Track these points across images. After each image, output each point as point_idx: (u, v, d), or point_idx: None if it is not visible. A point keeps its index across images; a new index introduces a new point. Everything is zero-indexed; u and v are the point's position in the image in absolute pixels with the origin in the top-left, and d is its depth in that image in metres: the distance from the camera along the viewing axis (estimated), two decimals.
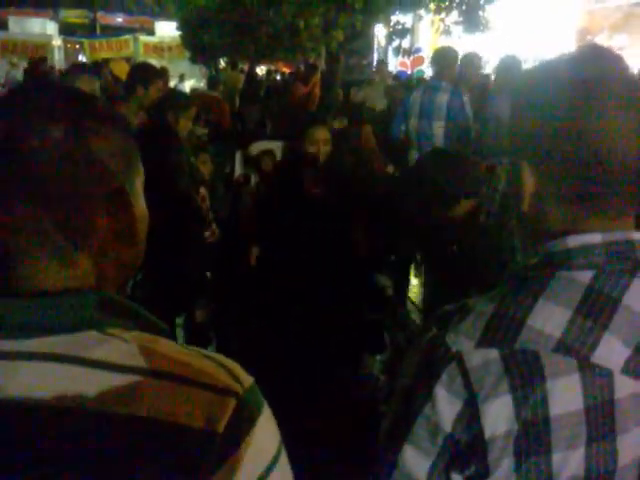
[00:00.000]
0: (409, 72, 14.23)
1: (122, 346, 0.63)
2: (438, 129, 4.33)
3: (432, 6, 9.92)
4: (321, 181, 3.77)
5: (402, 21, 10.43)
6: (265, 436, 0.64)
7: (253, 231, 3.26)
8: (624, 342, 0.73)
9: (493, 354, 0.74)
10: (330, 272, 3.65)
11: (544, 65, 0.84)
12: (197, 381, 0.63)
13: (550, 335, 0.73)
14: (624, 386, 0.73)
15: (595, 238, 0.76)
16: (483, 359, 0.74)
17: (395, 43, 9.91)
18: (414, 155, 4.47)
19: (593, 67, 0.76)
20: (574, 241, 0.77)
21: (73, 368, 0.60)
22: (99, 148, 0.66)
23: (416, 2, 10.52)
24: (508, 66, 4.62)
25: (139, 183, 0.73)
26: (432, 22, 14.09)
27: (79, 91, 0.73)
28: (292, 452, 0.68)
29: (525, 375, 0.72)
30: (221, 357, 0.68)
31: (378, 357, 3.59)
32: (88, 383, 0.60)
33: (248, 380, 0.66)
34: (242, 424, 0.62)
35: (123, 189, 0.69)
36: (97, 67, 8.69)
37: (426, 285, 4.35)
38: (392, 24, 10.09)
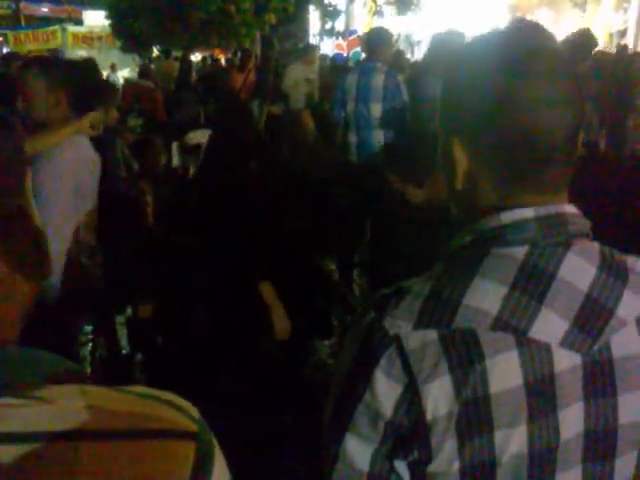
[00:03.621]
0: (345, 54, 14.25)
1: (44, 408, 0.52)
2: (376, 111, 4.34)
3: None
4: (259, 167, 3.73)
5: (334, 3, 10.40)
6: (222, 468, 0.58)
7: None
8: (561, 315, 0.73)
9: (431, 335, 0.73)
10: (276, 257, 3.63)
11: (475, 41, 0.82)
12: (148, 430, 0.54)
13: (487, 313, 0.72)
14: (563, 360, 0.73)
15: (528, 213, 0.75)
16: (421, 341, 0.73)
17: (328, 25, 9.89)
18: (353, 138, 4.47)
19: (523, 43, 0.76)
20: (507, 217, 0.76)
21: None
22: None
23: None
24: (441, 43, 4.60)
25: (28, 183, 0.63)
26: (364, 3, 14.17)
27: None
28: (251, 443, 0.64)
29: (463, 355, 0.71)
30: (162, 393, 0.59)
31: (326, 342, 3.60)
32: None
33: (196, 411, 0.59)
34: (204, 467, 0.55)
35: (20, 208, 0.60)
36: (6, 60, 8.19)
37: (371, 267, 4.38)
38: (326, 6, 10.09)
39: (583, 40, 5.01)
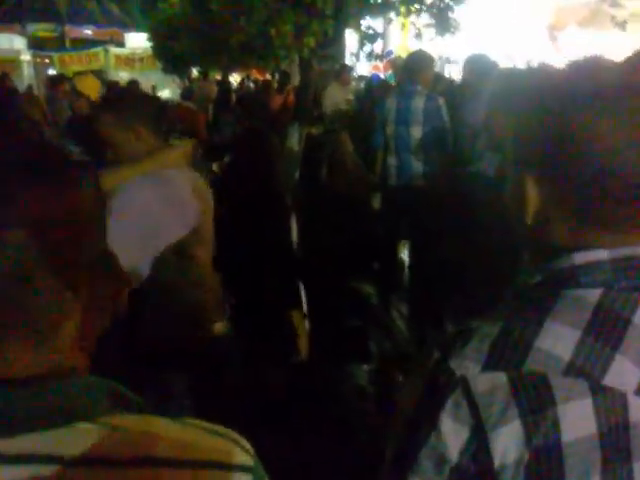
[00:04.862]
0: (382, 75, 14.32)
1: (115, 436, 0.56)
2: (416, 135, 4.33)
3: (402, 9, 9.99)
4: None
5: (373, 25, 10.50)
6: None
7: None
8: (636, 363, 0.70)
9: (500, 378, 0.71)
10: (312, 277, 3.63)
11: (545, 75, 0.81)
12: (210, 461, 0.58)
13: (559, 357, 0.70)
14: (639, 409, 0.70)
15: (601, 254, 0.74)
16: (490, 383, 0.71)
17: (367, 48, 9.95)
18: (393, 161, 4.47)
19: (598, 79, 0.75)
20: (580, 258, 0.74)
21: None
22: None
23: (386, 6, 10.56)
24: (479, 69, 4.57)
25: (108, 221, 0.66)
26: (402, 25, 14.25)
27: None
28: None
29: (535, 400, 0.69)
30: (218, 427, 0.63)
31: (365, 367, 3.57)
32: None
33: (250, 446, 0.62)
34: None
35: (106, 251, 0.63)
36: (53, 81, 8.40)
37: (411, 292, 4.35)
38: (364, 29, 10.13)
39: None
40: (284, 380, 2.90)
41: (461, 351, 0.74)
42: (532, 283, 0.78)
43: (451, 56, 16.40)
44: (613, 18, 7.44)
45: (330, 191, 4.25)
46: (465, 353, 0.74)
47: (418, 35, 8.58)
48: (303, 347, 2.92)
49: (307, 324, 3.39)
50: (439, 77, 6.94)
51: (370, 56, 9.02)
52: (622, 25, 7.71)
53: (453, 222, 3.38)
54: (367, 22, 10.05)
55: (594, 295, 0.73)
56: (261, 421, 2.84)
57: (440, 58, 16.29)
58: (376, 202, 4.73)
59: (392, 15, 9.40)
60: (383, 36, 13.45)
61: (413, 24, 9.64)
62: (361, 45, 8.74)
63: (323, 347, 3.39)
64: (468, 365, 0.72)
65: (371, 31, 8.57)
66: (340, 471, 2.62)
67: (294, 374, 3.10)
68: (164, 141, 2.20)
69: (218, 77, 14.93)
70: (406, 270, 4.65)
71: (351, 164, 4.45)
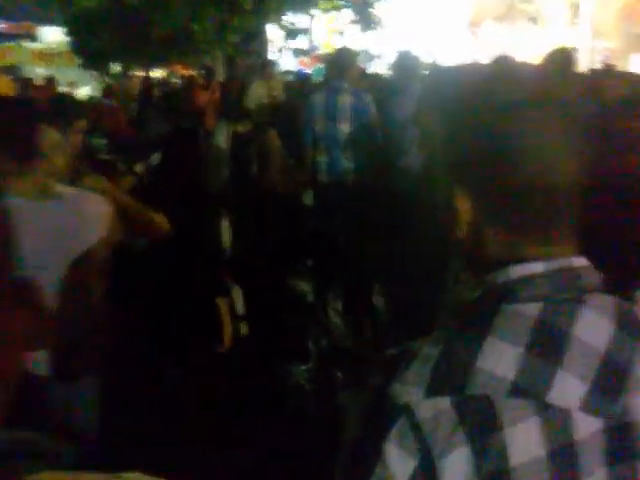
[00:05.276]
0: (308, 70, 14.37)
1: None
2: (344, 131, 4.35)
3: (323, 6, 10.08)
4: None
5: (296, 21, 10.52)
6: None
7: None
8: (579, 377, 0.69)
9: (444, 403, 0.68)
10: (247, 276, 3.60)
11: (473, 85, 0.80)
12: None
13: (502, 377, 0.68)
14: (584, 425, 0.69)
15: (537, 267, 0.73)
16: (434, 410, 0.68)
17: (289, 44, 9.96)
18: (323, 158, 4.47)
19: (524, 88, 0.75)
20: (516, 272, 0.73)
21: None
22: None
23: (307, 2, 10.58)
24: (405, 65, 4.68)
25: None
26: (327, 21, 14.35)
27: None
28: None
29: (481, 424, 0.67)
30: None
31: (303, 367, 3.57)
32: None
33: None
34: None
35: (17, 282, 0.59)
36: None
37: (344, 287, 4.37)
38: (287, 24, 10.15)
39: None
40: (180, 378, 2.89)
41: (403, 376, 0.72)
42: (471, 298, 0.77)
43: (375, 52, 16.64)
44: (524, 13, 7.77)
45: (260, 188, 4.22)
46: (407, 378, 0.71)
47: (340, 32, 8.65)
48: (227, 337, 2.91)
49: (244, 325, 3.37)
50: (364, 73, 7.02)
51: (296, 52, 9.03)
52: (534, 20, 8.05)
53: (383, 217, 3.41)
54: (290, 18, 10.06)
55: (533, 309, 0.71)
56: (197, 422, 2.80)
57: (365, 54, 16.50)
58: (307, 199, 4.73)
59: (314, 11, 9.43)
60: (308, 32, 13.51)
61: (335, 20, 9.73)
62: (285, 40, 8.74)
63: (261, 347, 3.37)
64: (411, 391, 0.70)
65: (292, 27, 8.56)
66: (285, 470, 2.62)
67: (234, 374, 3.08)
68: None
69: (138, 73, 14.55)
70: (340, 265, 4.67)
71: (279, 161, 4.42)
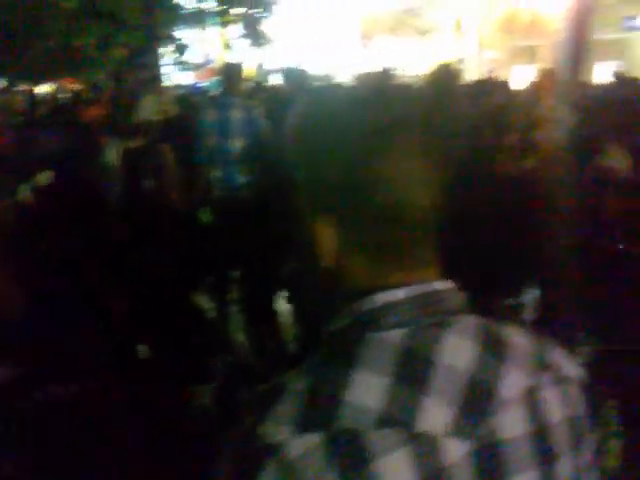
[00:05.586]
0: (204, 83, 14.24)
1: None
2: (237, 146, 4.34)
3: (212, 21, 10.05)
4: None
5: (188, 36, 10.45)
6: None
7: None
8: (445, 403, 0.69)
9: (313, 440, 0.66)
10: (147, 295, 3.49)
11: (335, 109, 0.79)
12: None
13: (369, 409, 0.67)
14: (451, 450, 0.68)
15: (399, 294, 0.73)
16: (304, 447, 0.66)
17: (182, 58, 9.87)
18: (217, 173, 4.44)
19: (386, 112, 0.75)
20: (379, 299, 0.73)
21: None
22: None
23: (198, 16, 10.49)
24: (292, 80, 4.79)
25: None
26: (219, 35, 14.32)
27: None
28: None
29: (351, 459, 0.65)
30: None
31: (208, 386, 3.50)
32: None
33: None
34: None
35: None
36: None
37: (244, 302, 4.34)
38: (176, 39, 10.05)
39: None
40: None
41: (271, 413, 0.69)
42: (340, 328, 0.76)
43: (271, 66, 16.82)
44: (413, 26, 8.11)
45: (155, 204, 4.12)
46: (275, 415, 0.69)
47: (227, 46, 8.72)
48: None
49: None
50: (259, 86, 7.06)
51: (183, 66, 8.97)
52: (423, 33, 8.42)
53: (279, 230, 3.43)
54: (183, 33, 9.96)
55: (396, 336, 0.71)
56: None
57: (260, 68, 16.58)
58: (205, 215, 4.67)
59: (204, 26, 9.42)
60: (200, 46, 13.42)
61: (224, 35, 9.76)
62: (175, 55, 8.66)
63: (165, 368, 3.27)
64: (280, 429, 0.67)
65: (180, 42, 8.53)
66: None
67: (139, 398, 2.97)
68: None
69: (24, 88, 13.87)
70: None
71: (174, 176, 4.35)
